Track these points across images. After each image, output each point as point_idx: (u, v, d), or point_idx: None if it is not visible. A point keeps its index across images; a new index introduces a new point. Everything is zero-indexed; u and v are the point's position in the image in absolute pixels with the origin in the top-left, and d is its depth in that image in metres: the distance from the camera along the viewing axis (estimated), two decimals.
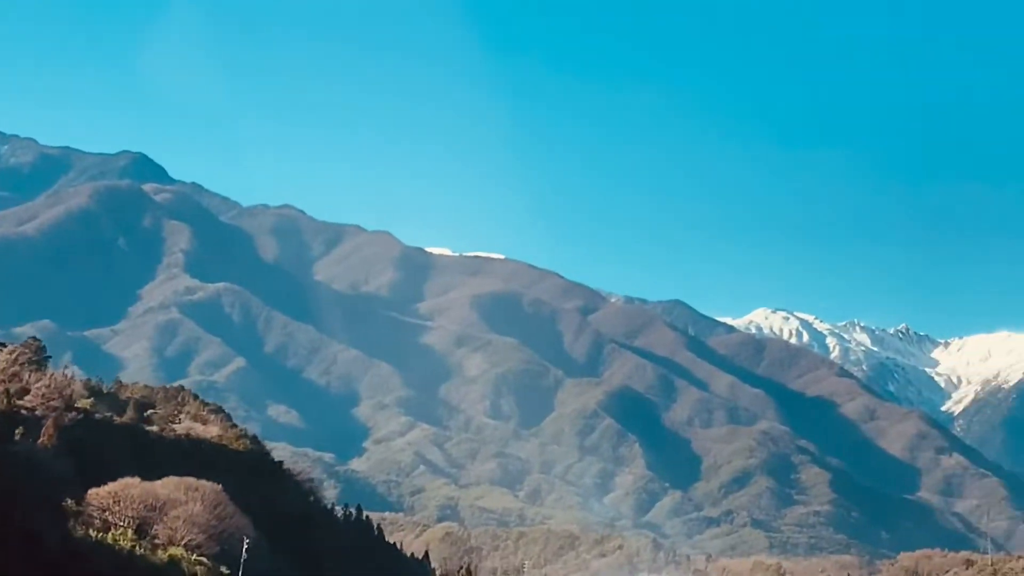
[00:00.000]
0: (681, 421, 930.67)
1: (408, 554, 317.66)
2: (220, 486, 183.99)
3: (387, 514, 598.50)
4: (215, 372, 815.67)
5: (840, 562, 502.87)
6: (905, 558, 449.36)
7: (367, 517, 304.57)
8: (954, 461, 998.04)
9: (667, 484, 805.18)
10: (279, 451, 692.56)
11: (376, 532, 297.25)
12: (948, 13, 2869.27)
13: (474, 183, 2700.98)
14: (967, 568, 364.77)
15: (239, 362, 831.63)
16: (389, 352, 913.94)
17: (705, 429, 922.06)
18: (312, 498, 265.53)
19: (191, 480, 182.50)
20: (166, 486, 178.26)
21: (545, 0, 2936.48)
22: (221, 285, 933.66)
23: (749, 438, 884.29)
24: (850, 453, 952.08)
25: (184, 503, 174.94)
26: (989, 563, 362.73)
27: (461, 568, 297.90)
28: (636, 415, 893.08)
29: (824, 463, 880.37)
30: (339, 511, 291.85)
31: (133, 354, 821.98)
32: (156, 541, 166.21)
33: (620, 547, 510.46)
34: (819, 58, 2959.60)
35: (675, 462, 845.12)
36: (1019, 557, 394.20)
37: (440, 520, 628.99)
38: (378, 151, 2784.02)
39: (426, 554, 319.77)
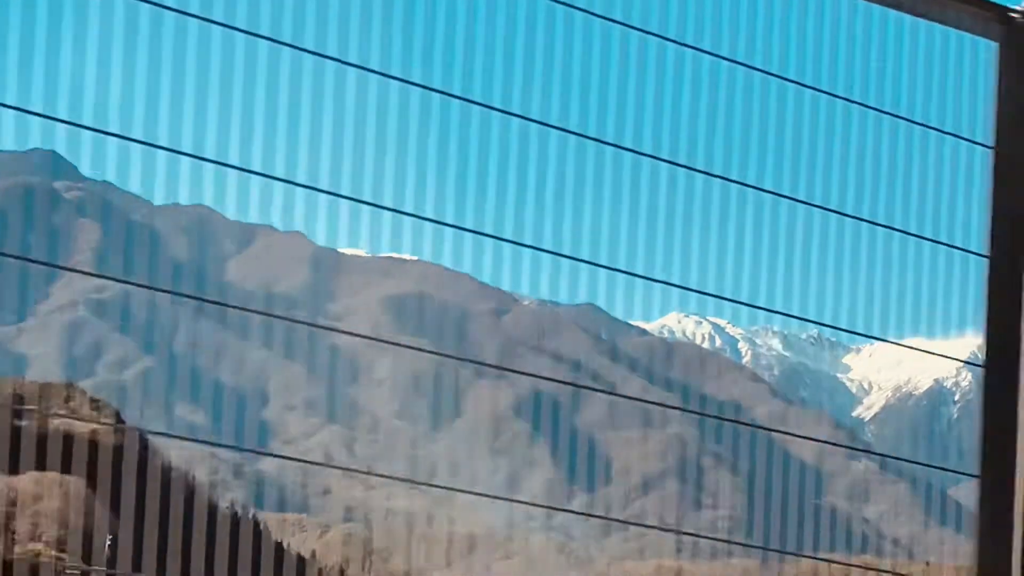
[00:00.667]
0: (591, 424, 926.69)
1: (294, 553, 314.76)
2: (84, 481, 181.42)
3: (290, 515, 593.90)
4: (122, 371, 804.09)
5: (742, 565, 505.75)
6: (805, 562, 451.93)
7: (253, 515, 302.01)
8: (863, 467, 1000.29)
9: (576, 487, 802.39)
10: (185, 451, 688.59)
11: (261, 530, 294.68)
12: None
13: (388, 183, 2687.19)
14: (866, 573, 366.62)
15: (147, 361, 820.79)
16: (299, 353, 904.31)
17: (615, 432, 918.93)
18: (189, 494, 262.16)
19: (54, 475, 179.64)
20: (27, 481, 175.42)
21: None
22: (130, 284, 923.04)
23: (659, 442, 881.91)
24: (760, 458, 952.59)
25: (46, 498, 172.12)
26: (889, 567, 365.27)
27: (329, 566, 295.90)
28: (546, 418, 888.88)
29: (734, 468, 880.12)
30: (225, 509, 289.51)
31: (39, 353, 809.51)
32: (15, 537, 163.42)
33: (523, 549, 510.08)
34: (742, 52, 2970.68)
35: (584, 465, 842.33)
36: (919, 562, 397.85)
37: (347, 521, 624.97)
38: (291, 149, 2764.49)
39: (313, 553, 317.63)
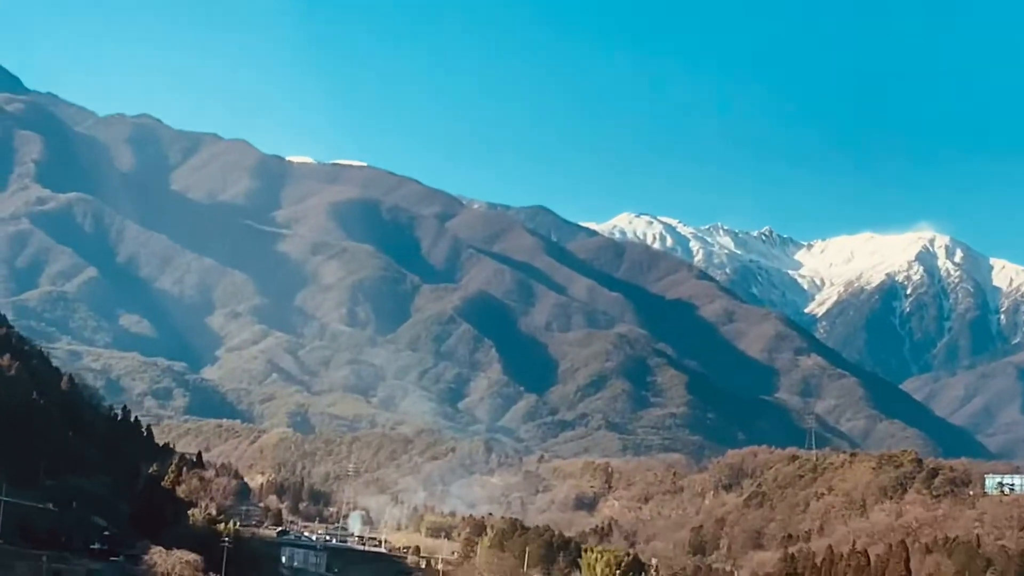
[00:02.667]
0: (538, 326, 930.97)
1: (179, 455, 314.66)
2: None
3: (224, 421, 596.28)
4: (66, 282, 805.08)
5: (667, 460, 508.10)
6: (732, 455, 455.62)
7: (136, 418, 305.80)
8: (812, 362, 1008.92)
9: (522, 388, 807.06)
10: (129, 360, 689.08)
11: (145, 434, 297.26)
12: None
13: (333, 90, 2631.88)
14: (789, 464, 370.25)
15: (90, 272, 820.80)
16: (244, 261, 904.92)
17: (563, 333, 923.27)
18: (66, 395, 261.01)
19: None
20: None
21: None
22: (73, 195, 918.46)
23: (606, 342, 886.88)
24: (708, 355, 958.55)
25: None
26: (812, 459, 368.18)
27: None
28: (493, 320, 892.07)
29: (681, 366, 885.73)
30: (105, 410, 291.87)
31: None
32: None
33: (452, 450, 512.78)
34: None
35: (531, 366, 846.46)
36: (841, 452, 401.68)
37: (291, 427, 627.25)
38: (237, 57, 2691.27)
39: (199, 455, 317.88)
